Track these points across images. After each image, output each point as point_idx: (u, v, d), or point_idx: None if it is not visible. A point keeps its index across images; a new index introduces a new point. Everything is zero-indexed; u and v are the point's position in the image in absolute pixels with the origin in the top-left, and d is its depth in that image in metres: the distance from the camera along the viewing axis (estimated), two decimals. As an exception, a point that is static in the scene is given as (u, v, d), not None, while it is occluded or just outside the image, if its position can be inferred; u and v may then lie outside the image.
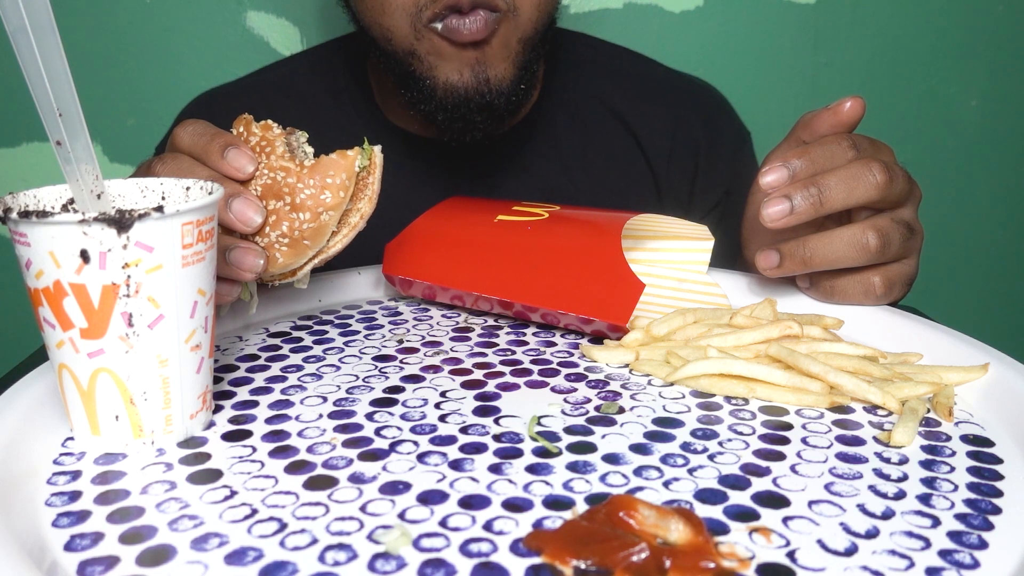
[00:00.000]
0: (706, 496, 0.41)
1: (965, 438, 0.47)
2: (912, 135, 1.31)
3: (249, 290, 0.59)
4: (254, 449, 0.46)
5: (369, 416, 0.50)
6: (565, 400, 0.52)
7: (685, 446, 0.46)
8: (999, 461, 0.45)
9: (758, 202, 0.63)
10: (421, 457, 0.45)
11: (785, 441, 0.47)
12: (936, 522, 0.39)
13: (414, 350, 0.61)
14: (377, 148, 0.57)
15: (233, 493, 0.41)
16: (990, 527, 0.39)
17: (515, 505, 0.40)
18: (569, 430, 0.48)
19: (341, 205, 0.56)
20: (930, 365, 0.55)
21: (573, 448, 0.46)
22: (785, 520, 0.39)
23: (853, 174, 0.59)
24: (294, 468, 0.44)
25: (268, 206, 0.55)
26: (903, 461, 0.45)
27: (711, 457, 0.45)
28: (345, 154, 0.55)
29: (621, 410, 0.50)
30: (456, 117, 0.80)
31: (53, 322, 0.43)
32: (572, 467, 0.44)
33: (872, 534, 0.38)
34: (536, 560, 0.36)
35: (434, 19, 0.75)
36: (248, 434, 0.48)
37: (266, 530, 0.38)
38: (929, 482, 0.43)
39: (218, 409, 0.51)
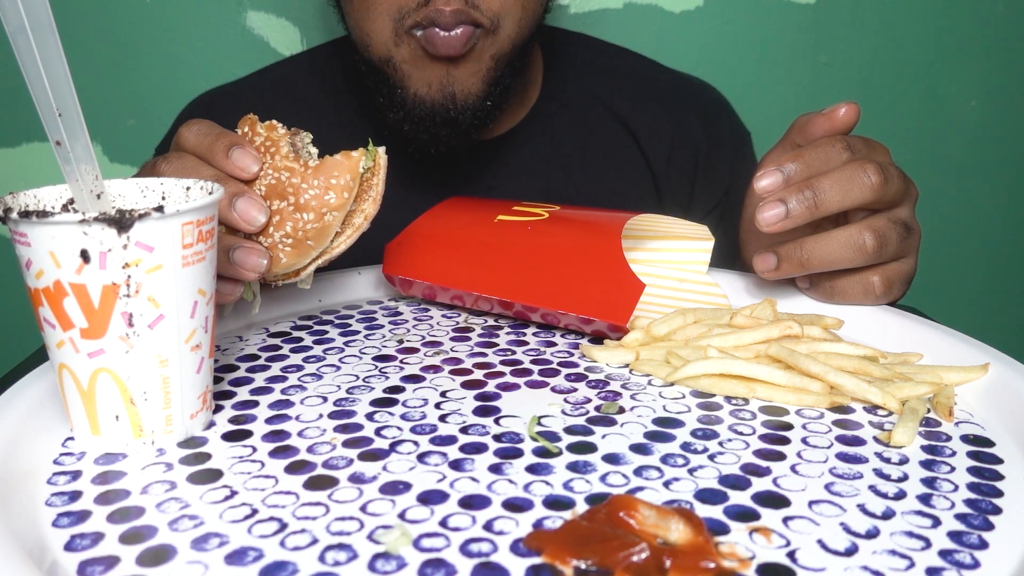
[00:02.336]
0: (706, 496, 0.41)
1: (965, 438, 0.47)
2: (912, 135, 1.31)
3: (252, 290, 0.59)
4: (254, 449, 0.46)
5: (369, 416, 0.50)
6: (565, 400, 0.52)
7: (685, 446, 0.46)
8: (999, 461, 0.45)
9: (754, 205, 0.63)
10: (421, 457, 0.45)
11: (785, 441, 0.47)
12: (936, 522, 0.39)
13: (414, 350, 0.61)
14: (381, 149, 0.57)
15: (233, 493, 0.41)
16: (990, 527, 0.39)
17: (515, 505, 0.40)
18: (569, 430, 0.48)
19: (345, 206, 0.56)
20: (930, 365, 0.55)
21: (573, 448, 0.46)
22: (785, 520, 0.39)
23: (847, 176, 0.59)
24: (294, 468, 0.44)
25: (272, 206, 0.55)
26: (903, 461, 0.45)
27: (711, 457, 0.45)
28: (349, 155, 0.55)
29: (621, 410, 0.50)
30: (422, 129, 0.80)
31: (53, 322, 0.43)
32: (572, 467, 0.44)
33: (872, 534, 0.38)
34: (536, 560, 0.36)
35: (415, 27, 0.75)
36: (248, 434, 0.48)
37: (266, 530, 0.38)
38: (929, 482, 0.43)
39: (218, 409, 0.51)
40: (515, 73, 0.82)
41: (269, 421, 0.49)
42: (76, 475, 0.43)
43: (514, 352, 0.60)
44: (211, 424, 0.49)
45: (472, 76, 0.78)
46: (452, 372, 0.56)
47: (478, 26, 0.75)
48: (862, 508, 0.40)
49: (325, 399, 0.52)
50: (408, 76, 0.78)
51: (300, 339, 0.63)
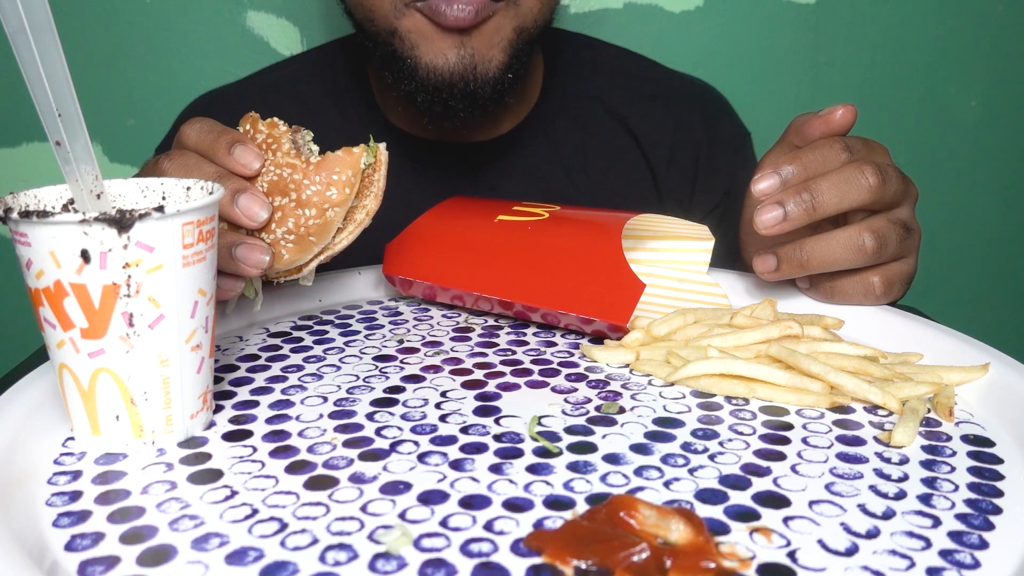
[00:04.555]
0: (706, 496, 0.41)
1: (965, 438, 0.47)
2: (912, 135, 1.31)
3: (254, 287, 0.59)
4: (254, 449, 0.46)
5: (369, 416, 0.50)
6: (565, 400, 0.52)
7: (685, 446, 0.46)
8: (999, 461, 0.45)
9: (753, 207, 0.63)
10: (421, 457, 0.45)
11: (785, 441, 0.47)
12: (937, 522, 0.39)
13: (414, 350, 0.61)
14: (382, 145, 0.57)
15: (233, 493, 0.41)
16: (991, 527, 0.39)
17: (516, 505, 0.40)
18: (569, 430, 0.48)
19: (347, 202, 0.56)
20: (930, 365, 0.55)
21: (573, 448, 0.46)
22: (786, 520, 0.39)
23: (845, 178, 0.59)
24: (294, 468, 0.44)
25: (274, 202, 0.55)
26: (903, 461, 0.45)
27: (711, 457, 0.45)
28: (351, 151, 0.56)
29: (621, 410, 0.50)
30: (436, 100, 0.78)
31: (54, 322, 0.43)
32: (572, 467, 0.44)
33: (873, 534, 0.38)
34: (537, 560, 0.36)
35: None
36: (248, 434, 0.48)
37: (266, 530, 0.38)
38: (930, 482, 0.43)
39: (218, 409, 0.51)
40: (532, 52, 0.81)
41: (269, 421, 0.49)
42: (76, 475, 0.43)
43: (514, 352, 0.60)
44: (211, 424, 0.49)
45: (493, 47, 0.76)
46: (452, 372, 0.56)
47: None
48: (862, 508, 0.40)
49: (325, 399, 0.52)
50: (417, 45, 0.76)
51: (300, 339, 0.63)
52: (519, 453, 0.45)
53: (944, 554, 0.37)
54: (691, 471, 0.43)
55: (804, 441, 0.47)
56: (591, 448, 0.46)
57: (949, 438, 0.47)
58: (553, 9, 0.81)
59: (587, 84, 0.97)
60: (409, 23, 0.75)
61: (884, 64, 1.27)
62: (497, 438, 0.47)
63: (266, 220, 0.55)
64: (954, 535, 0.38)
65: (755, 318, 0.59)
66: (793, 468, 0.44)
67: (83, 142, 0.43)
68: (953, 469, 0.44)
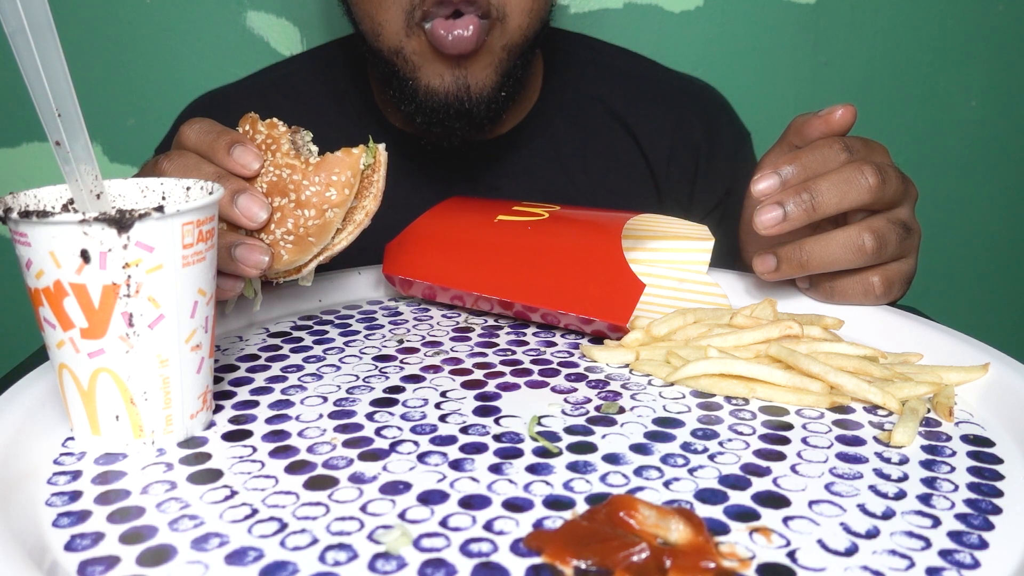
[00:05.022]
0: (706, 496, 0.41)
1: (965, 438, 0.47)
2: (912, 135, 1.31)
3: (253, 287, 0.59)
4: (254, 449, 0.46)
5: (369, 416, 0.50)
6: (565, 400, 0.52)
7: (685, 446, 0.46)
8: (999, 461, 0.45)
9: (753, 207, 0.63)
10: (421, 457, 0.45)
11: (785, 441, 0.47)
12: (936, 522, 0.39)
13: (414, 350, 0.61)
14: (381, 146, 0.57)
15: (233, 493, 0.41)
16: (990, 527, 0.39)
17: (515, 505, 0.40)
18: (569, 430, 0.48)
19: (346, 202, 0.56)
20: (930, 365, 0.55)
21: (573, 448, 0.46)
22: (785, 520, 0.39)
23: (845, 178, 0.59)
24: (294, 468, 0.44)
25: (273, 203, 0.55)
26: (903, 461, 0.45)
27: (711, 457, 0.45)
28: (350, 152, 0.56)
29: (621, 410, 0.50)
30: (435, 121, 0.80)
31: (53, 322, 0.43)
32: (572, 467, 0.44)
33: (872, 534, 0.38)
34: (536, 560, 0.36)
35: (424, 18, 0.75)
36: (248, 434, 0.48)
37: (266, 530, 0.38)
38: (929, 482, 0.43)
39: (218, 409, 0.51)
40: (526, 64, 0.82)
41: (269, 421, 0.49)
42: (76, 475, 0.43)
43: (514, 352, 0.60)
44: (211, 424, 0.49)
45: (485, 68, 0.77)
46: (452, 372, 0.56)
47: (484, 16, 0.74)
48: (862, 508, 0.40)
49: (325, 399, 0.52)
50: (419, 67, 0.77)
51: (300, 339, 0.63)
52: (519, 453, 0.45)
53: (944, 554, 0.37)
54: (691, 471, 0.43)
55: (804, 441, 0.47)
56: (591, 448, 0.46)
57: (949, 438, 0.47)
58: (543, 19, 0.81)
59: (587, 84, 0.97)
60: (416, 44, 0.76)
61: (884, 64, 1.27)
62: (497, 438, 0.47)
63: (265, 221, 0.55)
64: (954, 535, 0.38)
65: (755, 318, 0.59)
66: (793, 468, 0.44)
67: (83, 142, 0.43)
68: (953, 469, 0.44)
